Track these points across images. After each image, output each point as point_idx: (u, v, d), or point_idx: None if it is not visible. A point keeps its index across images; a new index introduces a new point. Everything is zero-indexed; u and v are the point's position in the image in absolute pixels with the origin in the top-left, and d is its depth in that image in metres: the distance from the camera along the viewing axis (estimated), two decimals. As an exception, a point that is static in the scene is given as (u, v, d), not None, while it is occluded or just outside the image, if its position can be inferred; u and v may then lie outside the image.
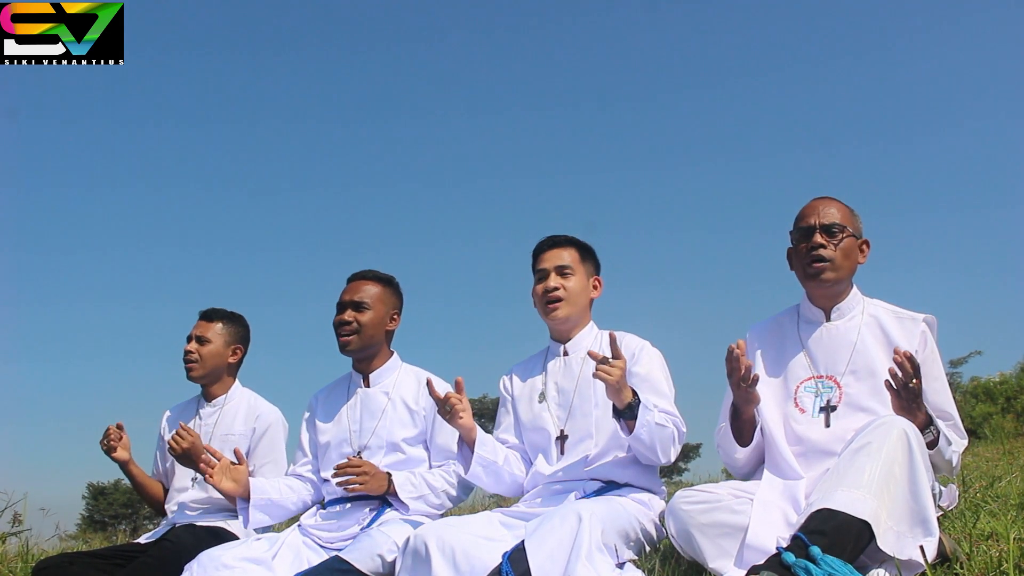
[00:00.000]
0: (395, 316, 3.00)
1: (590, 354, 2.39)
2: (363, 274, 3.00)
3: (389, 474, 2.74)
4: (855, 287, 2.48)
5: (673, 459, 2.56)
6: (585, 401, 2.67)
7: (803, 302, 2.53)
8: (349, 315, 2.89)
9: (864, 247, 2.46)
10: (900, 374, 2.07)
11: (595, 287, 2.83)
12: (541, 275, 2.76)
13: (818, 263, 2.38)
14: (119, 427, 3.17)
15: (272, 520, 2.87)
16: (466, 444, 2.61)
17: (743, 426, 2.39)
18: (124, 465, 3.17)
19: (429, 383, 2.60)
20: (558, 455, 2.68)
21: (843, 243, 2.38)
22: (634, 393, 2.43)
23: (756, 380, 2.26)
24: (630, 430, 2.42)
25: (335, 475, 2.67)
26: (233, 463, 2.81)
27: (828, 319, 2.45)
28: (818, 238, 2.37)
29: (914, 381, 2.08)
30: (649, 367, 2.66)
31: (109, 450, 3.13)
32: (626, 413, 2.41)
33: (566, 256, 2.76)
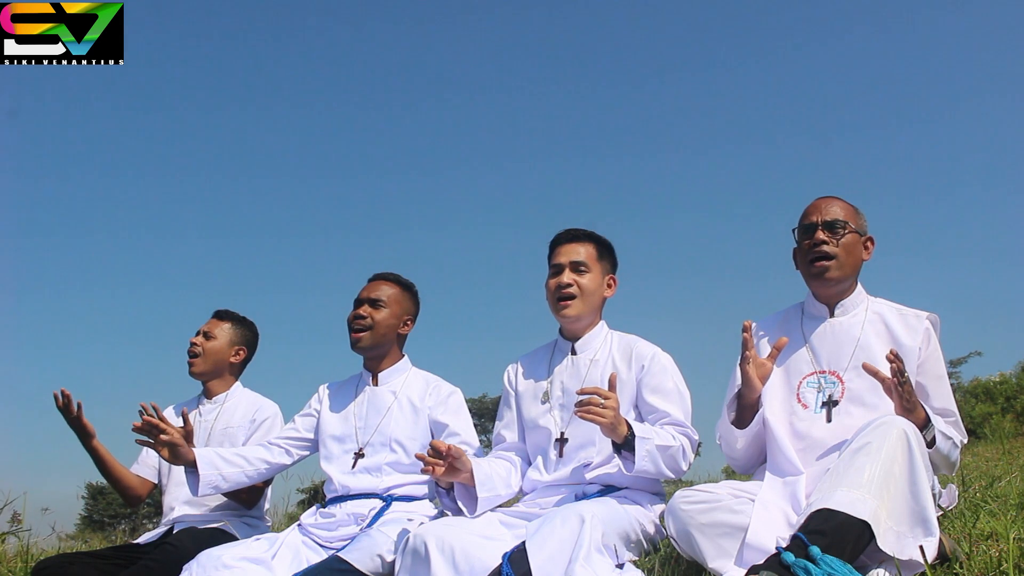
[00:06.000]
0: (408, 321, 3.02)
1: (582, 391, 2.28)
2: (384, 275, 3.04)
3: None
4: (860, 285, 2.49)
5: (687, 469, 2.53)
6: None
7: (807, 299, 2.53)
8: (364, 311, 2.92)
9: (869, 244, 2.47)
10: (897, 370, 2.09)
11: (609, 286, 2.76)
12: (555, 270, 2.71)
13: (821, 260, 2.39)
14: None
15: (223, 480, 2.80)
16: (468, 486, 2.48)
17: (744, 412, 2.39)
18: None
19: (436, 447, 2.36)
20: (556, 457, 2.66)
21: (845, 239, 2.40)
22: (629, 426, 2.37)
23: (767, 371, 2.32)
24: (633, 463, 2.39)
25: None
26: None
27: (832, 315, 2.46)
28: (820, 235, 2.39)
29: (905, 374, 2.10)
30: (660, 378, 2.62)
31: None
32: (624, 447, 2.38)
33: (583, 252, 2.70)
